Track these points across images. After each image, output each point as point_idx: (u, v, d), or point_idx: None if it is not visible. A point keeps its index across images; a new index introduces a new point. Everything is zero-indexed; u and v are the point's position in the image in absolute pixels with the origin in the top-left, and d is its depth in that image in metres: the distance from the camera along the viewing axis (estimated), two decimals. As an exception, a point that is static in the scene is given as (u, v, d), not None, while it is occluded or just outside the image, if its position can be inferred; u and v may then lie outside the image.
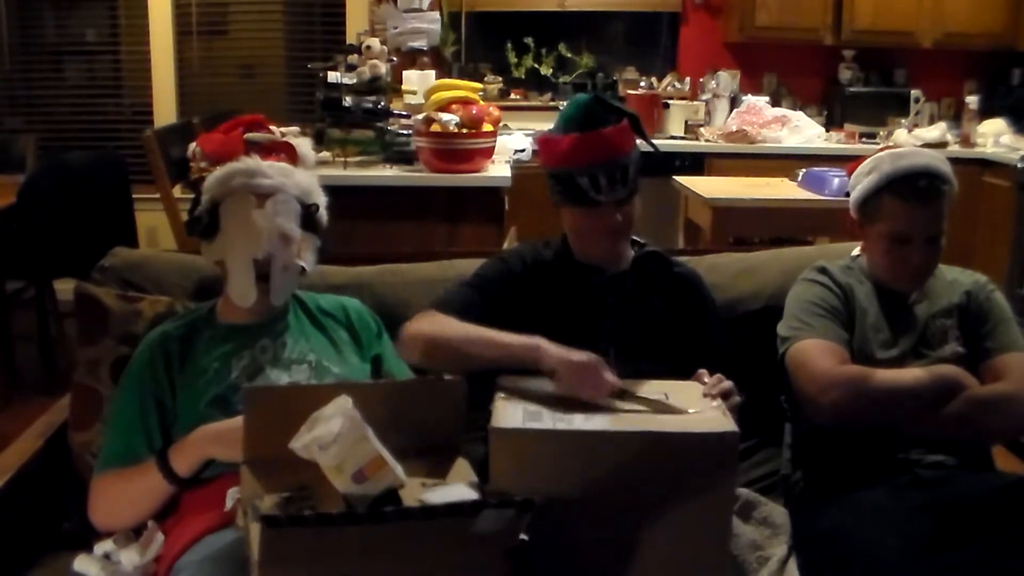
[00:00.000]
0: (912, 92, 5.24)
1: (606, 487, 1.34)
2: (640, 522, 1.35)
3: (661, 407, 1.44)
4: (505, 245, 3.24)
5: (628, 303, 1.77)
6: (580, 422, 1.36)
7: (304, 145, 1.84)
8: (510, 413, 1.38)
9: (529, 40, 5.31)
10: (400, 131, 3.35)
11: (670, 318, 1.79)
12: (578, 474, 1.34)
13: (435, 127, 3.12)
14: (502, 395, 1.45)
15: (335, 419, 1.22)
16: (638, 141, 1.77)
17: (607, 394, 1.47)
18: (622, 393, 1.47)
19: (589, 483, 1.34)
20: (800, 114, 5.06)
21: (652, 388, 1.49)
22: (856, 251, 1.97)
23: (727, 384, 1.54)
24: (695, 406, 1.44)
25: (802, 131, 4.94)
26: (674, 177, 4.20)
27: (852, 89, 5.27)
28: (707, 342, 1.79)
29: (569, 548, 1.34)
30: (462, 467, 1.39)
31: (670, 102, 5.11)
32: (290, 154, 1.79)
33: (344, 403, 1.24)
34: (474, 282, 1.79)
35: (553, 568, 1.32)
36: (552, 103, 5.26)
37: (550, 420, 1.37)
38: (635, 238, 1.87)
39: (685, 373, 1.59)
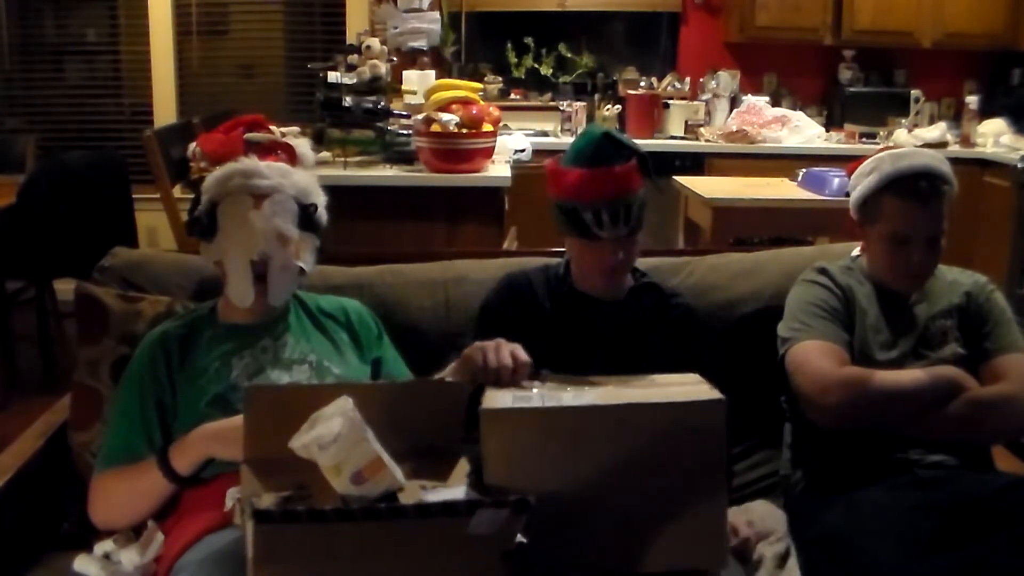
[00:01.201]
0: (912, 92, 5.24)
1: (598, 463, 1.34)
2: (634, 498, 1.35)
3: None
4: (505, 245, 3.24)
5: (621, 333, 1.78)
6: (569, 400, 1.37)
7: (303, 145, 1.84)
8: (499, 397, 1.39)
9: (529, 40, 5.31)
10: (400, 131, 3.35)
11: (662, 351, 1.77)
12: (570, 452, 1.34)
13: (435, 127, 3.12)
14: (491, 388, 1.46)
15: (335, 419, 1.22)
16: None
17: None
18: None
19: (581, 460, 1.34)
20: (800, 114, 5.06)
21: (639, 380, 1.50)
22: (856, 251, 1.97)
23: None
24: (682, 384, 1.45)
25: (802, 131, 4.94)
26: (674, 177, 4.20)
27: (852, 89, 5.28)
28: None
29: (565, 527, 1.34)
30: (463, 470, 1.39)
31: (670, 102, 5.11)
32: (289, 154, 1.79)
33: (344, 404, 1.24)
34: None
35: (548, 553, 1.32)
36: (552, 103, 5.26)
37: (539, 400, 1.38)
38: (635, 267, 1.88)
39: None
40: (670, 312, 1.84)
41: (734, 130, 4.91)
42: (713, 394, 1.37)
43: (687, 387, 1.43)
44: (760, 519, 1.72)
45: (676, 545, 1.36)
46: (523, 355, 1.52)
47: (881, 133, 5.07)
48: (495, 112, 3.31)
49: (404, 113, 3.42)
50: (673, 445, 1.34)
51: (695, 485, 1.35)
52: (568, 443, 1.34)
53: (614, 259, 1.72)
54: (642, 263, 2.00)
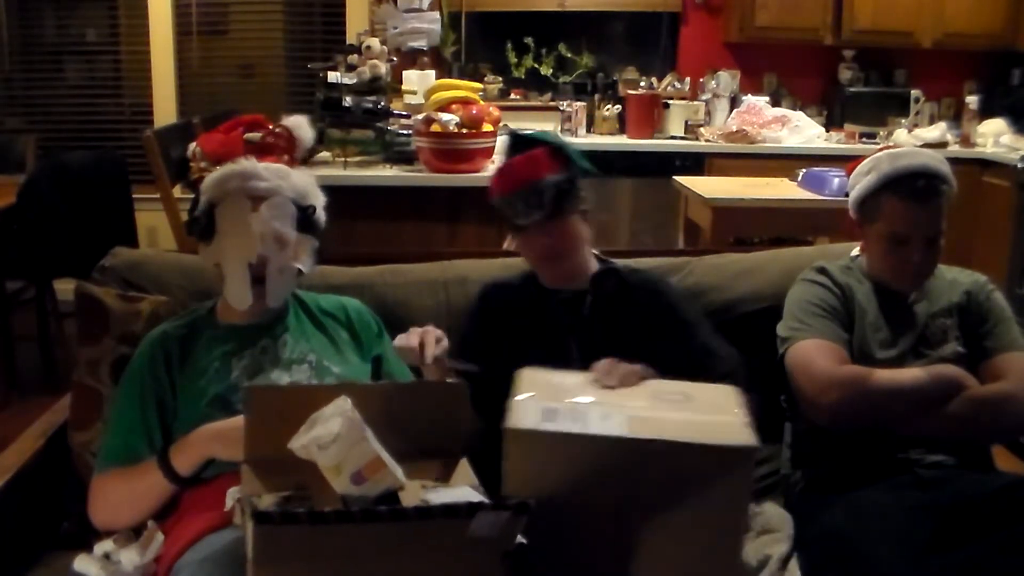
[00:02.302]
0: (912, 92, 5.24)
1: (617, 492, 1.33)
2: (649, 530, 1.34)
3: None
4: (505, 245, 3.23)
5: (591, 319, 1.80)
6: (596, 424, 1.34)
7: (302, 125, 1.83)
8: (525, 411, 1.36)
9: (529, 40, 5.31)
10: (400, 131, 3.35)
11: (639, 328, 1.79)
12: (590, 477, 1.33)
13: (435, 127, 3.12)
14: (523, 390, 1.43)
15: (334, 420, 1.22)
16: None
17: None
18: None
19: (600, 487, 1.33)
20: (800, 114, 5.05)
21: (674, 388, 1.48)
22: (856, 251, 1.97)
23: (623, 369, 1.51)
24: (717, 412, 1.40)
25: (802, 131, 4.94)
26: (674, 177, 4.20)
27: (852, 89, 5.27)
28: (684, 339, 1.79)
29: (576, 551, 1.34)
30: (464, 470, 1.39)
31: (670, 102, 5.11)
32: (288, 142, 1.79)
33: (344, 404, 1.25)
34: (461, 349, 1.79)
35: (559, 573, 1.32)
36: (552, 103, 5.26)
37: (565, 421, 1.34)
38: (602, 257, 1.91)
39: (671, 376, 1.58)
40: (635, 285, 1.85)
41: (734, 130, 4.90)
42: (745, 438, 1.32)
43: (720, 419, 1.37)
44: (767, 520, 1.71)
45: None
46: (432, 335, 1.61)
47: (881, 133, 5.07)
48: (495, 112, 3.31)
49: (404, 113, 3.42)
50: (695, 483, 1.32)
51: (714, 524, 1.34)
52: (588, 469, 1.33)
53: (541, 245, 1.78)
54: (642, 263, 2.00)
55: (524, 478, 1.31)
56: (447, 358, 1.63)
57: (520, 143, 1.85)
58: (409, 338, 1.62)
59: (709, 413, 1.39)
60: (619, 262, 1.92)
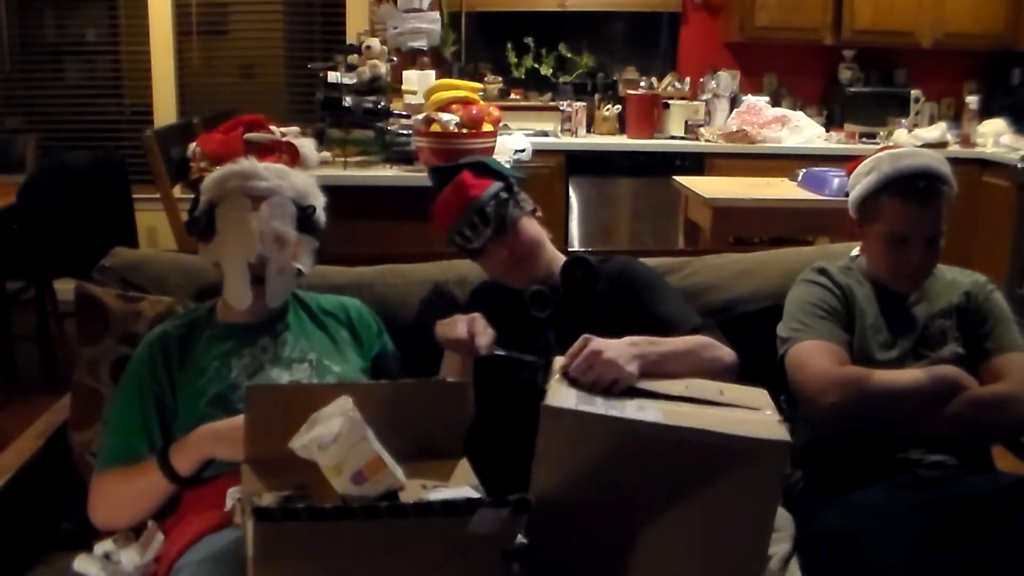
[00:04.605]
0: (912, 92, 5.24)
1: (648, 480, 1.34)
2: (678, 522, 1.35)
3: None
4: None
5: (564, 311, 1.80)
6: (632, 411, 1.36)
7: (307, 146, 1.84)
8: (563, 395, 1.37)
9: (529, 40, 5.31)
10: (400, 131, 3.35)
11: (613, 312, 1.79)
12: (623, 463, 1.34)
13: (435, 127, 3.11)
14: (557, 376, 1.44)
15: (335, 419, 1.22)
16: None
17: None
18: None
19: (633, 473, 1.34)
20: (800, 114, 5.06)
21: (708, 385, 1.48)
22: (855, 251, 1.97)
23: (580, 362, 1.44)
24: (750, 409, 1.41)
25: (802, 131, 4.94)
26: (674, 177, 4.21)
27: (852, 89, 5.28)
28: (665, 322, 1.77)
29: (606, 537, 1.35)
30: (464, 470, 1.39)
31: (670, 102, 5.11)
32: (292, 153, 1.80)
33: (345, 404, 1.25)
34: None
35: (578, 554, 1.32)
36: (552, 103, 5.26)
37: (603, 406, 1.36)
38: (571, 249, 1.91)
39: None
40: (605, 273, 1.84)
41: (734, 130, 4.91)
42: (779, 433, 1.34)
43: (755, 416, 1.39)
44: None
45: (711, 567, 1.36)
46: (480, 324, 1.64)
47: (881, 133, 5.07)
48: (495, 112, 3.31)
49: (404, 113, 3.42)
50: (727, 477, 1.33)
51: (741, 519, 1.34)
52: (623, 453, 1.33)
53: (502, 258, 1.80)
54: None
55: (558, 457, 1.32)
56: (495, 346, 1.64)
57: (442, 175, 1.86)
58: (456, 328, 1.63)
59: (743, 409, 1.40)
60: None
